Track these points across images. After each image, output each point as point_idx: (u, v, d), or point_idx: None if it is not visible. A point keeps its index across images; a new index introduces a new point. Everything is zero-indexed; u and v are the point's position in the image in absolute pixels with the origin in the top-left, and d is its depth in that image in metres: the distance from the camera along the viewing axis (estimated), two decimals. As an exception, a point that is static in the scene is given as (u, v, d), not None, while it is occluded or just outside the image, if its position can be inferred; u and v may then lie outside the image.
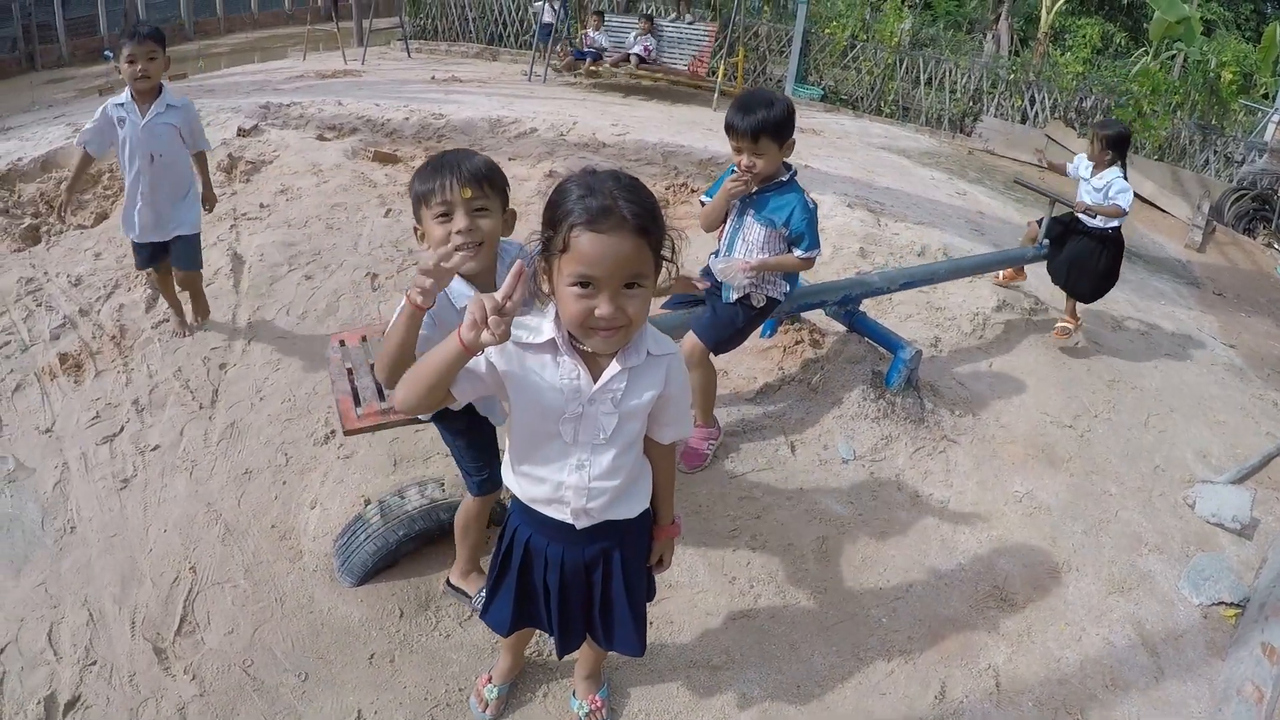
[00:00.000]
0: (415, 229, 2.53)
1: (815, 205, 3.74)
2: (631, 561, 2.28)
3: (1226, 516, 4.23)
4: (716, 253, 3.94)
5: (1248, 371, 6.10)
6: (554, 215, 1.83)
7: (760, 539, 3.60)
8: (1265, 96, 17.23)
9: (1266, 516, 4.39)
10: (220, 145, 7.13)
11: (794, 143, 3.62)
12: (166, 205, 4.44)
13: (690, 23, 14.41)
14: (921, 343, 4.95)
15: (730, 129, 3.56)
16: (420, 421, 3.11)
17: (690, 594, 3.31)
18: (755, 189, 3.67)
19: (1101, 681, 3.23)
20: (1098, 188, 5.33)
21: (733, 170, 3.67)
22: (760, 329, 4.47)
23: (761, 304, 3.89)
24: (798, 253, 3.71)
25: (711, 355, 3.96)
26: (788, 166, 3.73)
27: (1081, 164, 5.54)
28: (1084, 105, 13.94)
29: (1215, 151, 13.28)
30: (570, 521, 2.12)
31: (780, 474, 4.00)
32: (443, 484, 3.32)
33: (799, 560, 3.53)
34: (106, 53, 18.84)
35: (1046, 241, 5.65)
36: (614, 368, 1.95)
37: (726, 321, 3.91)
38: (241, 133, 7.62)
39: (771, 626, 3.23)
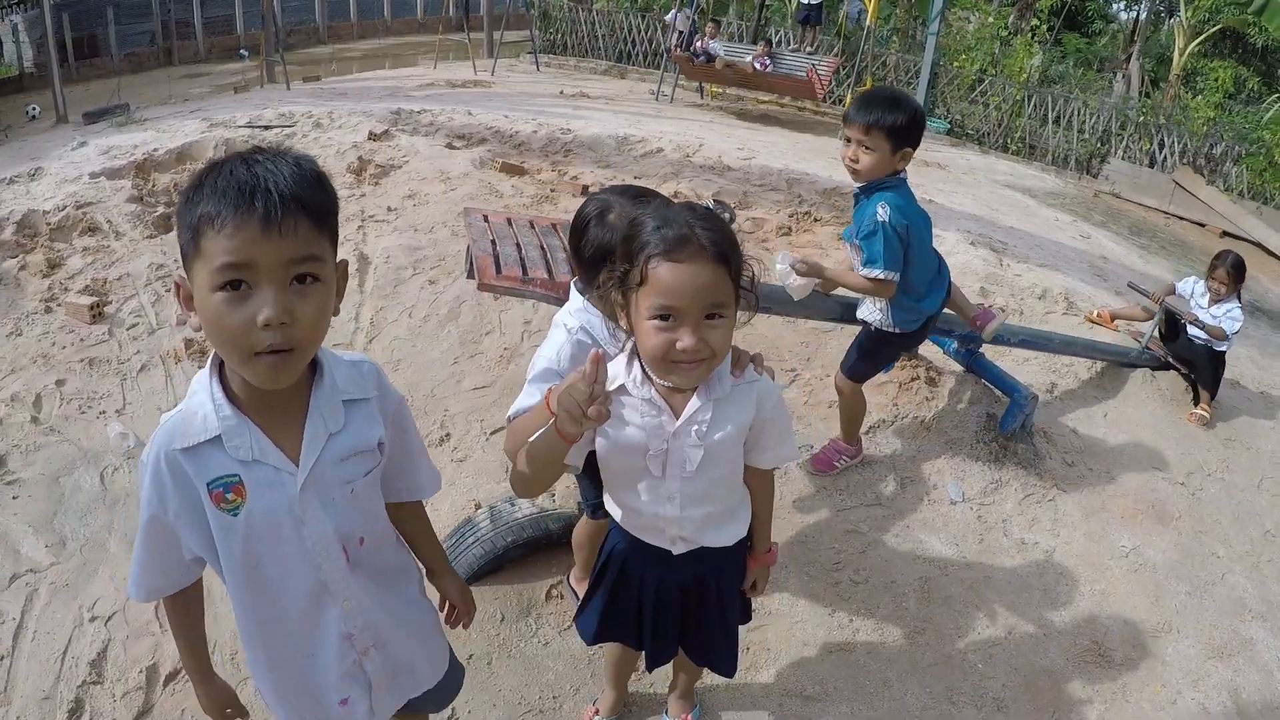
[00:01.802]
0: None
1: (900, 220, 3.23)
2: (727, 586, 2.21)
3: (1337, 588, 3.96)
4: None
5: (1370, 439, 5.68)
6: (630, 248, 1.73)
7: (863, 574, 3.51)
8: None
9: (1378, 592, 4.09)
10: (351, 148, 7.26)
11: (911, 154, 3.22)
12: None
13: (810, 53, 14.17)
14: (1038, 387, 4.76)
15: (845, 116, 3.23)
16: (554, 299, 2.99)
17: (789, 623, 3.25)
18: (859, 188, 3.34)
19: (1195, 748, 3.05)
20: (1215, 315, 5.25)
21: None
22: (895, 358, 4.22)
23: (869, 329, 3.61)
24: (859, 270, 3.32)
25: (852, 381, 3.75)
26: (896, 174, 3.28)
27: (1196, 289, 5.42)
28: (1214, 151, 13.20)
29: (1348, 204, 12.42)
30: (668, 547, 2.06)
31: (888, 510, 3.89)
32: (554, 494, 3.31)
33: (899, 598, 3.43)
34: (242, 52, 19.63)
35: (1149, 348, 5.48)
36: (694, 403, 1.85)
37: (855, 343, 3.72)
38: (373, 136, 7.72)
39: (867, 662, 3.14)
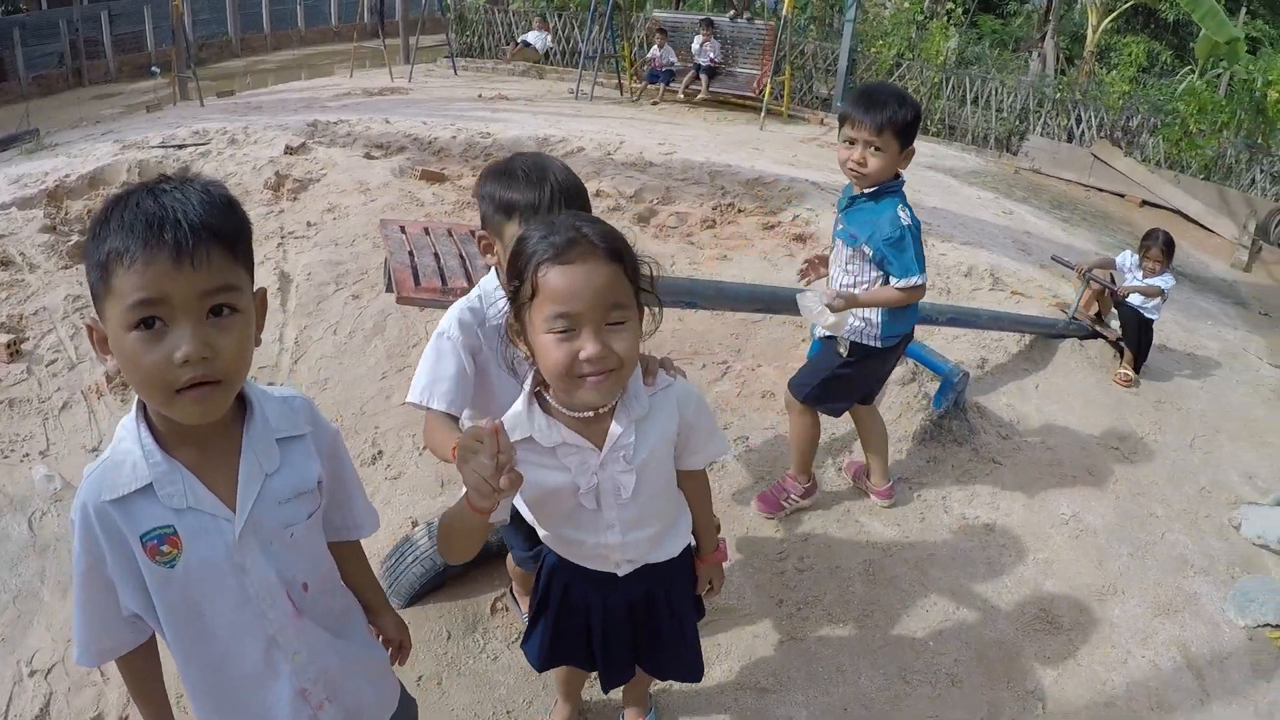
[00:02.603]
0: (481, 239, 2.22)
1: (916, 222, 3.17)
2: (677, 596, 2.18)
3: (1272, 538, 4.13)
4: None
5: (1295, 393, 5.95)
6: (518, 263, 1.67)
7: (806, 561, 3.58)
8: (1314, 114, 16.78)
9: (1314, 539, 4.28)
10: (268, 163, 7.19)
11: (913, 152, 3.14)
12: None
13: (749, 20, 14.45)
14: (968, 364, 4.89)
15: (847, 118, 3.04)
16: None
17: (737, 617, 3.30)
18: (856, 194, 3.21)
19: (1147, 704, 3.16)
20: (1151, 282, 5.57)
21: (848, 187, 3.29)
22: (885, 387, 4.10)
23: (846, 351, 3.39)
24: (893, 281, 3.18)
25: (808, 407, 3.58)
26: (897, 178, 3.19)
27: (1131, 262, 5.70)
28: (1130, 123, 13.66)
29: (1262, 170, 12.92)
30: (612, 571, 2.02)
31: (826, 496, 3.97)
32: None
33: (845, 583, 3.50)
34: (154, 69, 19.29)
35: (1075, 318, 5.70)
36: (615, 429, 1.80)
37: (814, 366, 3.55)
38: (289, 150, 7.65)
39: (818, 649, 3.20)
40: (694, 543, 2.22)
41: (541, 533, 2.06)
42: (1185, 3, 12.83)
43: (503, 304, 1.78)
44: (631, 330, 1.68)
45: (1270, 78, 14.47)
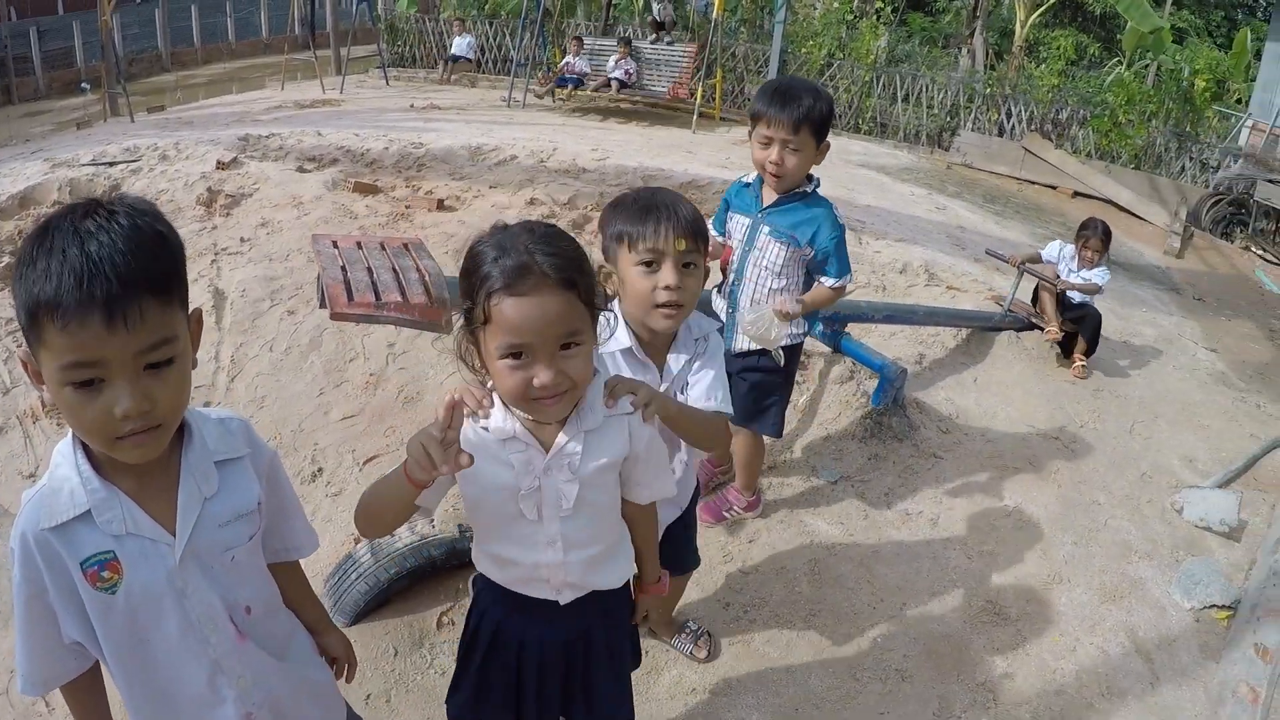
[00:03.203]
0: (600, 267, 2.17)
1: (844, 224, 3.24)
2: (616, 634, 2.13)
3: (1214, 520, 4.25)
4: (728, 292, 3.36)
5: (1230, 375, 6.14)
6: (470, 284, 1.67)
7: (752, 564, 3.61)
8: (1239, 102, 17.43)
9: (1254, 518, 4.41)
10: (200, 179, 7.13)
11: (829, 147, 3.12)
12: None
13: (669, 43, 14.58)
14: (906, 360, 4.98)
15: (761, 116, 2.98)
16: (410, 322, 3.05)
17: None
18: (774, 198, 3.16)
19: (1098, 690, 3.23)
20: (1086, 277, 5.69)
21: (741, 187, 3.26)
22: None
23: (782, 360, 3.34)
24: (827, 281, 3.20)
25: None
26: (810, 178, 3.19)
27: (1065, 253, 5.80)
28: (1060, 116, 14.03)
29: (1191, 158, 13.38)
30: (553, 598, 1.95)
31: (769, 497, 4.00)
32: (432, 520, 3.30)
33: (792, 584, 3.53)
34: (84, 85, 18.98)
35: (1011, 310, 5.80)
36: (564, 436, 1.80)
37: (757, 394, 3.42)
38: (220, 166, 7.58)
39: (767, 651, 3.22)
40: (635, 572, 2.19)
41: (477, 555, 2.02)
42: (1111, -5, 13.23)
43: (617, 336, 2.20)
44: (584, 353, 1.70)
45: (1196, 67, 15.04)
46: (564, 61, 14.38)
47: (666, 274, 2.15)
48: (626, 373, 2.21)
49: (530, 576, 1.92)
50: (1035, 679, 3.24)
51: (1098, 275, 5.65)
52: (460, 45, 16.16)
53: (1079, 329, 5.61)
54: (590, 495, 1.85)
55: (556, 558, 1.88)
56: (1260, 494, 4.66)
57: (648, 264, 2.16)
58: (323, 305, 3.10)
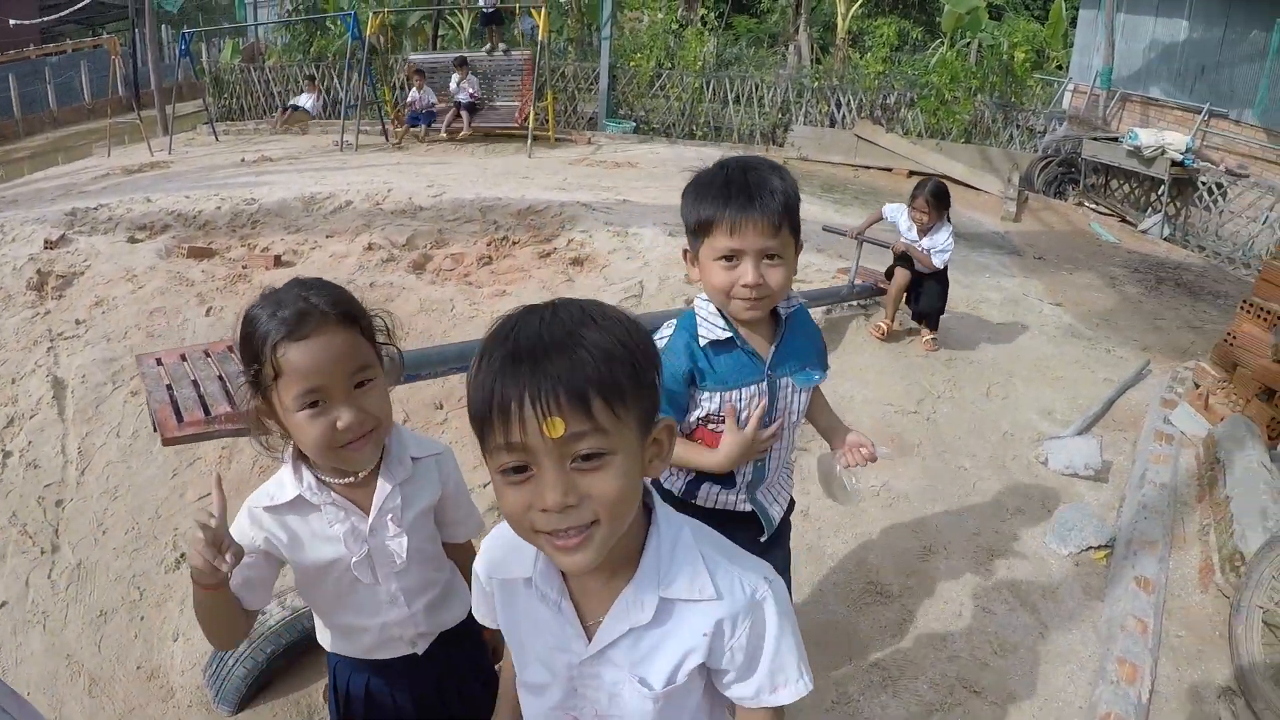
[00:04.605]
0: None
1: None
2: (467, 671, 2.12)
3: (1080, 466, 4.49)
4: (700, 482, 2.36)
5: (1077, 326, 6.49)
6: (251, 347, 1.67)
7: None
8: (1059, 68, 18.55)
9: (1117, 457, 4.69)
10: (28, 261, 6.86)
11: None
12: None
13: (505, 51, 14.69)
14: (759, 357, 5.09)
15: (714, 222, 2.02)
16: (245, 430, 2.97)
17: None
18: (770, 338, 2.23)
19: (990, 649, 3.37)
20: (926, 247, 5.52)
21: (709, 347, 2.17)
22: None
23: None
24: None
25: None
26: None
27: (901, 218, 5.65)
28: (888, 101, 14.70)
29: (1018, 126, 14.20)
30: (410, 651, 1.97)
31: (639, 513, 4.03)
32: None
33: (670, 593, 3.56)
34: None
35: (857, 280, 5.98)
36: (384, 487, 1.82)
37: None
38: (49, 245, 7.28)
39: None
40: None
41: (323, 634, 2.00)
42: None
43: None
44: (379, 387, 1.73)
45: (1015, 40, 16.04)
46: (410, 98, 14.27)
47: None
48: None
49: (381, 639, 1.93)
50: (927, 650, 3.36)
51: (938, 256, 5.50)
52: (305, 100, 15.87)
53: (922, 302, 5.69)
54: (417, 543, 1.88)
55: (402, 613, 1.90)
56: (1120, 433, 4.95)
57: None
58: (155, 430, 3.10)
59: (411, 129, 14.07)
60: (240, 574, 1.70)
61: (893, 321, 5.73)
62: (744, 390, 2.18)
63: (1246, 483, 4.00)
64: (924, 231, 5.55)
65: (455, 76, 13.89)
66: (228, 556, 1.56)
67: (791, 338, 2.25)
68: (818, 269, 6.71)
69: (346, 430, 1.66)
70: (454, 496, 1.97)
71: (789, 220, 2.02)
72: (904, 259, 5.67)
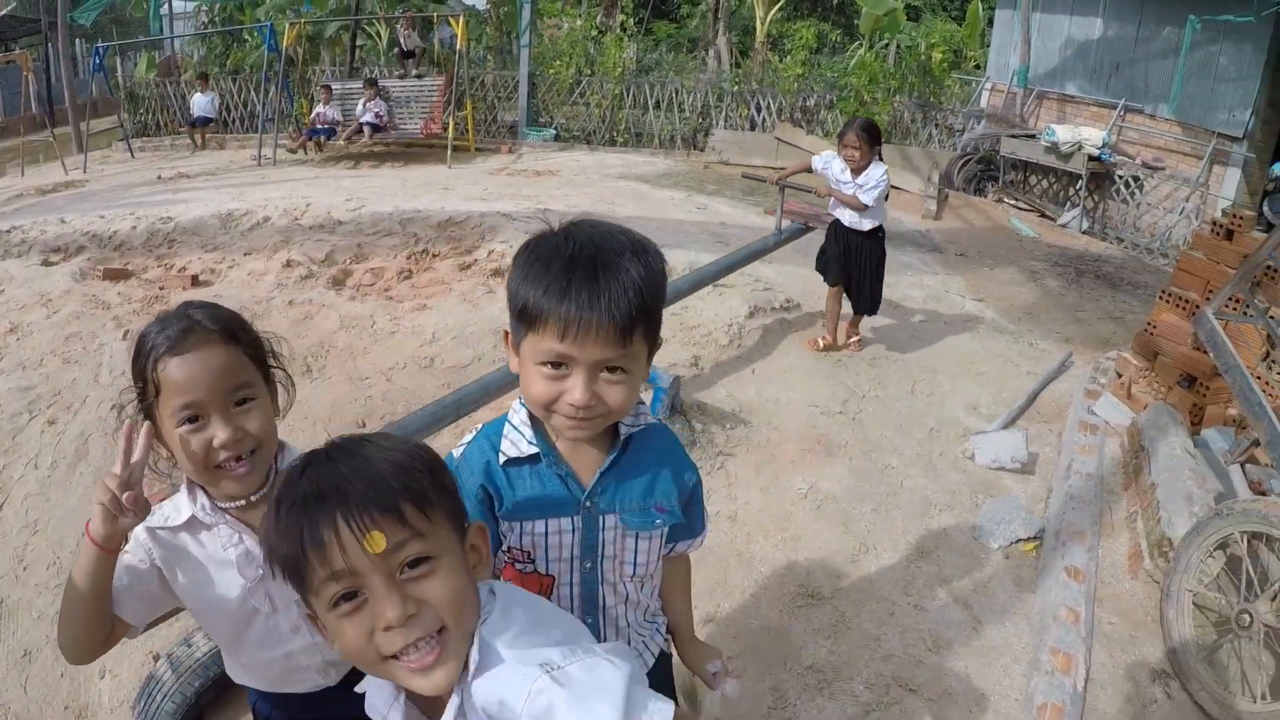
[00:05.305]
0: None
1: None
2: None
3: (1006, 459, 4.56)
4: None
5: (1000, 320, 6.62)
6: (137, 364, 1.68)
7: (554, 595, 3.59)
8: (977, 67, 18.96)
9: (1043, 449, 4.77)
10: None
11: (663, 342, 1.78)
12: None
13: (418, 76, 14.60)
14: (681, 363, 5.11)
15: (540, 316, 1.49)
16: None
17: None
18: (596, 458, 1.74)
19: (924, 646, 3.39)
20: (860, 184, 5.35)
21: (510, 465, 1.70)
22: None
23: None
24: (684, 547, 1.95)
25: None
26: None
27: (834, 165, 5.47)
28: (808, 103, 14.90)
29: (937, 125, 14.50)
30: (322, 683, 1.91)
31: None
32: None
33: (599, 606, 3.53)
34: None
35: (781, 228, 5.98)
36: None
37: None
38: None
39: (581, 678, 3.20)
40: None
41: (232, 668, 1.95)
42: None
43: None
44: (262, 408, 1.72)
45: (932, 40, 16.36)
46: (314, 112, 14.17)
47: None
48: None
49: (289, 669, 1.89)
50: (861, 650, 3.36)
51: (873, 178, 5.27)
52: (202, 104, 15.58)
53: (861, 300, 5.62)
54: None
55: (305, 640, 1.84)
56: (1045, 425, 5.04)
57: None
58: None
59: (309, 140, 13.95)
60: (124, 575, 1.69)
61: (833, 337, 5.71)
62: (549, 523, 1.69)
63: (1171, 469, 4.09)
64: (857, 172, 5.35)
65: (362, 99, 13.82)
66: (132, 505, 1.52)
67: (631, 464, 1.73)
68: (740, 271, 6.71)
69: (223, 447, 1.65)
70: None
71: (643, 323, 1.51)
72: (832, 243, 5.64)
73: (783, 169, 6.34)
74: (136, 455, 1.56)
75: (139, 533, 1.75)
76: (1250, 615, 3.20)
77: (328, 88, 14.28)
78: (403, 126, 14.15)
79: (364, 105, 13.76)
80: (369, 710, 1.40)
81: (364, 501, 1.17)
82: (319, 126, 13.90)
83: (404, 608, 1.18)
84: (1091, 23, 13.96)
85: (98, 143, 15.46)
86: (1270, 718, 3.04)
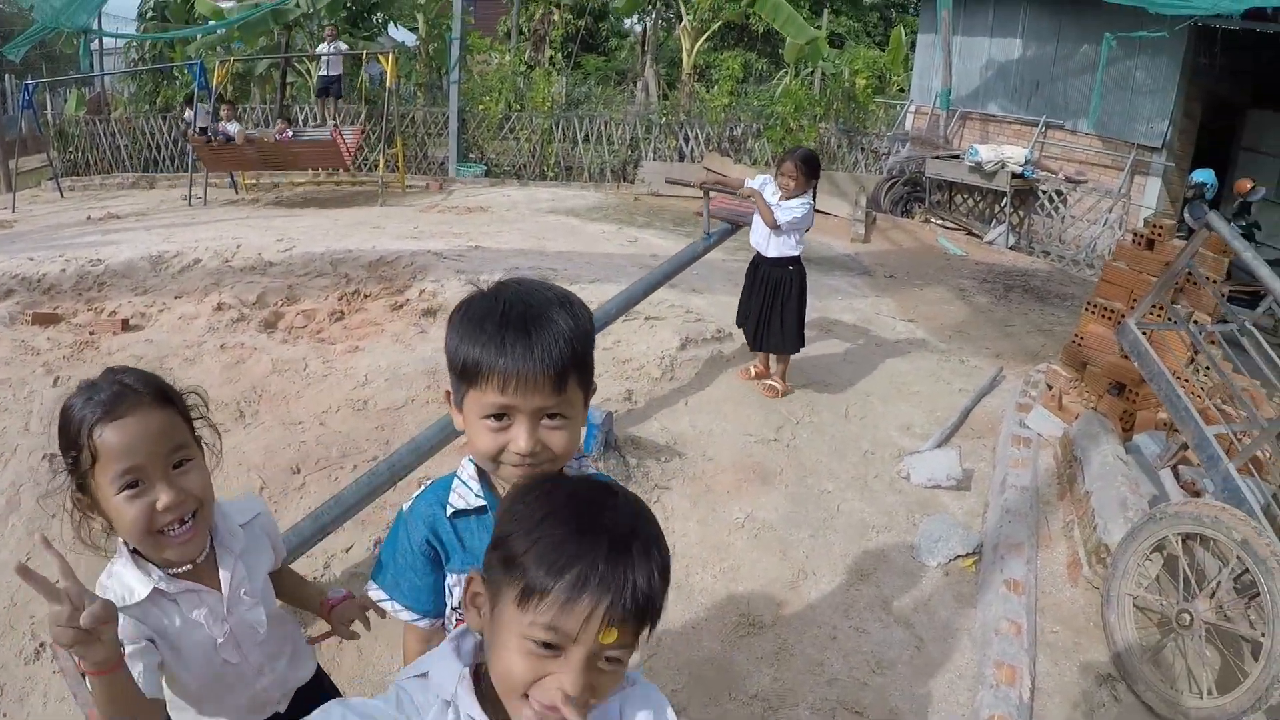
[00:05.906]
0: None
1: None
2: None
3: (941, 477, 4.64)
4: None
5: (931, 340, 6.73)
6: (69, 433, 1.68)
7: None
8: (901, 91, 19.39)
9: (978, 465, 4.87)
10: None
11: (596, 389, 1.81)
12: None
13: (334, 126, 14.50)
14: (614, 398, 5.12)
15: (480, 371, 1.56)
16: None
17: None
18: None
19: (868, 668, 3.43)
20: (783, 206, 5.32)
21: (458, 518, 1.76)
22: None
23: None
24: None
25: None
26: None
27: (768, 187, 5.45)
28: (735, 133, 15.13)
29: (862, 150, 14.80)
30: (277, 710, 2.02)
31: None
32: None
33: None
34: None
35: (710, 231, 5.96)
36: (227, 561, 1.84)
37: None
38: None
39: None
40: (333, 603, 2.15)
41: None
42: (766, 14, 14.44)
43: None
44: (198, 467, 1.75)
45: (856, 67, 16.71)
46: (219, 125, 13.90)
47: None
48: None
49: (255, 704, 1.98)
50: (805, 676, 3.39)
51: (794, 203, 5.27)
52: (229, 127, 15.12)
53: (771, 339, 5.50)
54: (268, 607, 1.93)
55: (268, 677, 1.96)
56: (979, 441, 5.14)
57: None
58: None
59: (197, 137, 13.63)
60: (137, 661, 1.67)
61: (765, 366, 5.67)
62: None
63: (1105, 476, 4.19)
64: (788, 197, 5.33)
65: (273, 129, 13.67)
66: (94, 615, 1.48)
67: None
68: (670, 304, 6.75)
69: (166, 511, 1.66)
70: (276, 541, 2.05)
71: (576, 370, 1.59)
72: (749, 278, 5.62)
73: (713, 172, 6.39)
74: (60, 577, 1.50)
75: (124, 621, 1.69)
76: (1190, 614, 3.31)
77: (231, 104, 13.98)
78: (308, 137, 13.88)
79: (275, 131, 13.55)
80: (435, 690, 1.31)
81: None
82: (216, 134, 13.57)
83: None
84: (1011, 44, 14.37)
85: (26, 181, 15.28)
86: (1217, 712, 3.14)
